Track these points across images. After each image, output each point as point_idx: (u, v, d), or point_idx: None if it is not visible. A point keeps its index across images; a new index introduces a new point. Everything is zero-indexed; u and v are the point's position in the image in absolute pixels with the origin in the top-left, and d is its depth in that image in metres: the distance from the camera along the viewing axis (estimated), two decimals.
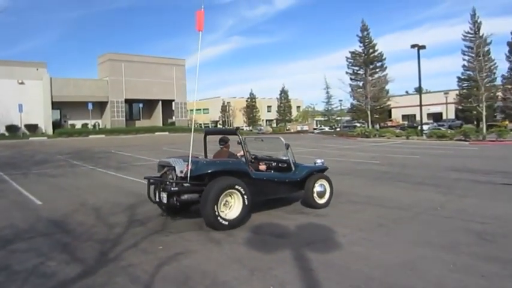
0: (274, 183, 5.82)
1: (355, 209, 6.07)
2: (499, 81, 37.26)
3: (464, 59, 37.39)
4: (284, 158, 6.44)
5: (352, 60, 41.87)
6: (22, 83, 34.77)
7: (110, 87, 39.21)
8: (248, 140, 6.36)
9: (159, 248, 4.23)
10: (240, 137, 5.70)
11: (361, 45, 41.31)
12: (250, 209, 5.26)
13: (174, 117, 44.58)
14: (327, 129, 49.54)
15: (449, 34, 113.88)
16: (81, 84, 38.39)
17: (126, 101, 40.40)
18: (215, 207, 4.79)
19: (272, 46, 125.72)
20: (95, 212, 6.06)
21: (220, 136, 6.29)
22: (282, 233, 4.85)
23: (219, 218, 4.82)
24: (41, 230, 5.10)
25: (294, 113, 68.11)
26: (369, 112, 35.94)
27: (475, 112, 33.42)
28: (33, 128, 34.56)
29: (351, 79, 41.70)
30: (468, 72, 36.83)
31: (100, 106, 40.07)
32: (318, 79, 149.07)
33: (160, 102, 42.38)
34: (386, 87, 40.30)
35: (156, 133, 38.25)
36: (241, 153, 5.97)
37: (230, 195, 5.03)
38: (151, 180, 5.45)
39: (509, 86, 33.29)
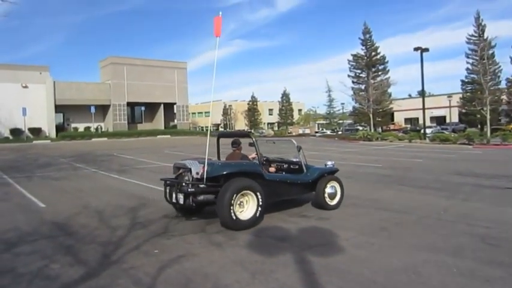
0: (287, 184, 5.95)
1: (358, 213, 6.06)
2: (503, 85, 37.24)
3: (468, 62, 37.46)
4: (295, 160, 6.58)
5: (354, 63, 41.94)
6: (26, 87, 35.02)
7: (112, 91, 39.42)
8: (259, 142, 6.45)
9: (155, 251, 4.22)
10: (253, 139, 5.84)
11: (364, 48, 41.42)
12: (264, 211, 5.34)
13: (175, 121, 44.71)
14: (328, 132, 49.49)
15: (453, 37, 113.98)
16: (83, 87, 38.63)
17: (128, 104, 40.58)
18: (231, 207, 4.91)
19: (274, 49, 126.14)
20: (98, 215, 6.08)
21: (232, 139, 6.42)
22: (284, 236, 4.84)
23: (234, 218, 4.95)
24: (45, 233, 5.12)
25: (296, 116, 68.15)
26: (371, 115, 35.91)
27: (479, 115, 33.33)
28: (36, 132, 34.76)
29: (353, 82, 41.81)
30: (472, 75, 36.81)
31: (102, 109, 40.27)
32: (320, 82, 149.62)
33: (162, 105, 42.52)
34: (389, 90, 40.41)
35: (158, 136, 38.35)
36: (253, 155, 6.11)
37: (245, 196, 5.17)
38: (167, 182, 5.58)
39: None
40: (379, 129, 41.51)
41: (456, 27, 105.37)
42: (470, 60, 36.69)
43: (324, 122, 61.28)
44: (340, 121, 57.05)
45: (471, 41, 36.53)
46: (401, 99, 49.29)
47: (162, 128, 42.13)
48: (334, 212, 6.11)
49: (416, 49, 28.47)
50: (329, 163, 6.79)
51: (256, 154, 5.93)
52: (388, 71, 40.86)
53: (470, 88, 38.52)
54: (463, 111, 40.61)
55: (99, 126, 39.35)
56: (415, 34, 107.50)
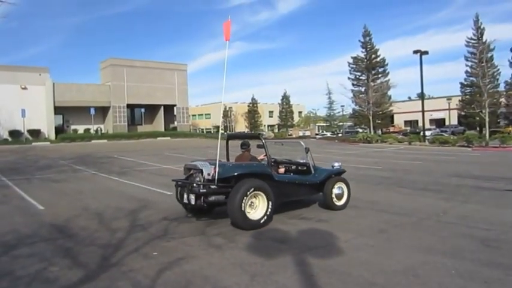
0: (296, 185, 6.09)
1: (357, 214, 6.06)
2: (502, 87, 37.30)
3: (467, 65, 37.49)
4: (302, 161, 6.72)
5: (354, 66, 42.01)
6: (25, 88, 34.99)
7: (112, 92, 39.42)
8: (268, 144, 6.52)
9: (154, 254, 4.22)
10: (263, 141, 5.95)
11: (364, 50, 41.49)
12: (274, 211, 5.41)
13: (176, 123, 44.72)
14: (328, 134, 49.56)
15: (453, 40, 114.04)
16: (83, 89, 38.61)
17: (128, 106, 40.56)
18: (242, 207, 5.01)
19: (274, 51, 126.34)
20: (97, 217, 6.08)
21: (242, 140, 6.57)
22: (283, 238, 4.85)
23: (245, 218, 5.06)
24: (44, 235, 5.12)
25: (296, 118, 68.19)
26: (370, 118, 35.93)
27: (477, 118, 33.40)
28: (36, 133, 34.71)
29: (353, 85, 41.83)
30: (471, 78, 36.85)
31: (102, 111, 40.26)
32: (320, 84, 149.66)
33: (162, 107, 42.52)
34: (389, 92, 40.38)
35: (158, 138, 38.34)
36: (261, 156, 6.25)
37: (255, 197, 5.28)
38: (179, 183, 5.68)
39: None
40: (379, 132, 41.53)
41: (456, 30, 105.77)
42: (470, 63, 36.76)
43: (324, 124, 61.36)
44: (340, 123, 57.13)
45: (470, 44, 36.61)
46: (401, 102, 49.36)
47: (162, 130, 42.12)
48: (334, 214, 6.12)
49: (415, 52, 28.54)
50: (336, 164, 6.89)
51: (265, 155, 6.05)
52: (388, 73, 40.92)
53: (470, 91, 38.57)
54: (462, 113, 40.66)
55: (98, 128, 39.32)
56: (415, 37, 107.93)
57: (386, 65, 41.00)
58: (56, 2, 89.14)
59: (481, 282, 3.34)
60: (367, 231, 5.06)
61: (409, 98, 64.02)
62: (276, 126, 68.26)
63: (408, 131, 44.60)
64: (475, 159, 15.77)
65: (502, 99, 35.47)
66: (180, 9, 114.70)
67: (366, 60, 41.08)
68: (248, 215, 5.12)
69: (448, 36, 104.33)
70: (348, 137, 35.99)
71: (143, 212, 6.36)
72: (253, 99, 66.76)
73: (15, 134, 33.30)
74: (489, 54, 32.22)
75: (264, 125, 68.35)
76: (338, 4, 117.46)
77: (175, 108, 44.46)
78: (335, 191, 6.32)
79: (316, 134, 51.66)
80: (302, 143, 6.71)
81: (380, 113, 39.40)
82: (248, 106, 66.45)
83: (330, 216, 5.97)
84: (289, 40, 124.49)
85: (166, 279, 3.50)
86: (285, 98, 65.24)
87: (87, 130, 38.43)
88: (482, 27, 36.38)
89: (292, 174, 6.55)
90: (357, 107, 41.26)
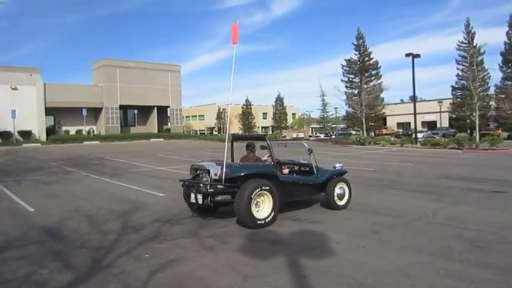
0: (299, 185, 6.25)
1: (349, 216, 6.11)
2: (492, 91, 37.93)
3: (458, 69, 38.11)
4: (304, 162, 6.89)
5: (347, 68, 42.39)
6: (15, 89, 34.51)
7: (104, 93, 39.12)
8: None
9: (146, 256, 4.20)
10: (268, 142, 6.07)
11: (357, 53, 41.91)
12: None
13: (169, 124, 44.53)
14: (322, 136, 49.77)
15: (445, 43, 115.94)
16: (75, 90, 38.21)
17: (121, 107, 40.29)
18: (248, 206, 5.13)
19: (268, 53, 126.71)
20: (89, 219, 6.02)
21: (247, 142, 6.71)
22: (276, 239, 4.86)
23: (251, 216, 5.19)
24: (34, 238, 5.06)
25: (290, 120, 68.39)
26: (363, 120, 36.23)
27: (468, 121, 33.89)
28: (26, 135, 34.25)
29: (346, 87, 42.19)
30: (462, 81, 37.44)
31: (94, 112, 39.91)
32: (314, 87, 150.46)
33: (155, 108, 42.33)
34: (381, 95, 40.81)
35: (151, 140, 38.14)
36: (265, 157, 6.38)
37: (261, 196, 5.40)
38: (186, 183, 5.80)
39: (502, 96, 33.82)
40: (372, 134, 41.90)
41: (448, 34, 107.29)
42: (460, 67, 37.35)
43: (318, 126, 61.63)
44: (334, 125, 57.46)
45: (461, 47, 37.21)
46: (393, 104, 49.81)
47: (156, 131, 41.91)
48: (327, 215, 6.16)
49: (408, 55, 28.86)
50: (337, 165, 7.00)
51: (269, 156, 6.17)
52: (381, 76, 41.42)
53: (460, 94, 39.17)
54: (454, 116, 41.22)
55: (91, 130, 38.94)
56: (407, 40, 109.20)
57: (379, 67, 41.53)
58: (48, 1, 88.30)
59: (469, 282, 3.39)
60: (359, 233, 5.10)
61: (402, 100, 64.68)
62: (270, 128, 68.35)
63: (400, 133, 45.07)
64: (465, 161, 15.99)
65: (492, 103, 36.02)
66: (174, 10, 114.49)
67: (359, 62, 41.49)
68: (254, 213, 5.25)
69: (441, 39, 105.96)
70: (341, 139, 36.20)
71: (135, 213, 6.32)
72: (247, 100, 66.81)
73: (5, 135, 32.81)
74: (479, 58, 32.73)
75: (258, 127, 68.39)
76: (332, 7, 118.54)
77: (168, 109, 44.29)
78: (337, 191, 6.47)
79: (310, 136, 51.83)
80: (305, 144, 6.85)
81: (373, 115, 39.80)
82: (242, 108, 66.45)
83: (323, 217, 6.01)
84: (283, 42, 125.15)
85: (158, 282, 3.49)
86: (279, 100, 65.42)
87: (79, 131, 38.04)
88: (473, 31, 37.06)
89: (295, 174, 6.69)
90: (350, 109, 41.58)
